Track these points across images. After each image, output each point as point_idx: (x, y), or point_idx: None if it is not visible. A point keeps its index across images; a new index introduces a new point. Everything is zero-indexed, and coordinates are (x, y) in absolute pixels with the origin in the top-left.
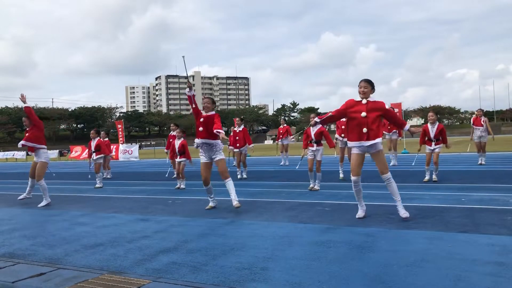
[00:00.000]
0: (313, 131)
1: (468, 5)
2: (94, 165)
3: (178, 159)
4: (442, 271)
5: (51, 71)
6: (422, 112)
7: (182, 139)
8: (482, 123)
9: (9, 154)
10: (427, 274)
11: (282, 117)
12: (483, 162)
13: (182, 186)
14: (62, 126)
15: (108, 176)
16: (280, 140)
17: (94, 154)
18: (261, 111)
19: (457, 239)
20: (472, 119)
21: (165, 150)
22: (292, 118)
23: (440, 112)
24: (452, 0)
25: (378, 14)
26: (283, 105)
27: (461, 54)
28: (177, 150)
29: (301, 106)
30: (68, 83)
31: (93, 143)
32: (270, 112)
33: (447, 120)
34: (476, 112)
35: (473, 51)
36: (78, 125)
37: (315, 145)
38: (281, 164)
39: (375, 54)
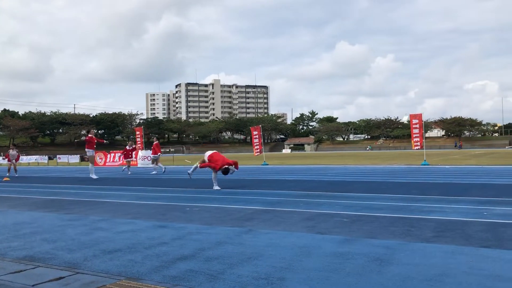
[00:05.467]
0: None
1: (491, 16)
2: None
3: None
4: (463, 287)
5: (68, 77)
6: (442, 123)
7: None
8: None
9: (31, 159)
10: None
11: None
12: None
13: None
14: (83, 132)
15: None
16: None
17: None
18: (279, 120)
19: (479, 254)
20: None
21: None
22: (310, 127)
23: (462, 123)
24: (478, 10)
25: (403, 24)
26: (302, 114)
27: (480, 65)
28: None
29: (319, 115)
30: (87, 89)
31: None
32: (289, 121)
33: (469, 132)
34: None
35: (494, 63)
36: (99, 131)
37: None
38: None
39: (392, 64)
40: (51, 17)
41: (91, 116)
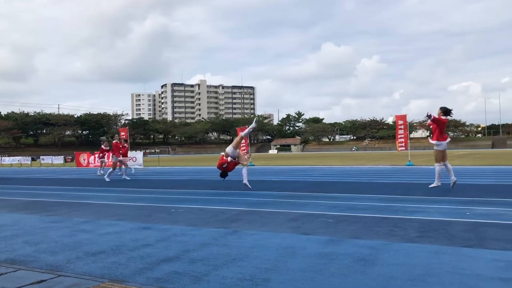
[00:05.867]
0: None
1: (475, 18)
2: None
3: None
4: (446, 286)
5: (52, 77)
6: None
7: None
8: None
9: (14, 160)
10: None
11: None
12: None
13: None
14: (68, 132)
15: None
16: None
17: None
18: (266, 121)
19: (461, 254)
20: None
21: None
22: (296, 128)
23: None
24: (463, 12)
25: (388, 25)
26: (288, 115)
27: (465, 66)
28: None
29: (305, 116)
30: (71, 89)
31: None
32: (275, 122)
33: (452, 133)
34: None
35: (478, 64)
36: (83, 132)
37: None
38: None
39: (378, 66)
40: (34, 15)
41: (75, 116)
